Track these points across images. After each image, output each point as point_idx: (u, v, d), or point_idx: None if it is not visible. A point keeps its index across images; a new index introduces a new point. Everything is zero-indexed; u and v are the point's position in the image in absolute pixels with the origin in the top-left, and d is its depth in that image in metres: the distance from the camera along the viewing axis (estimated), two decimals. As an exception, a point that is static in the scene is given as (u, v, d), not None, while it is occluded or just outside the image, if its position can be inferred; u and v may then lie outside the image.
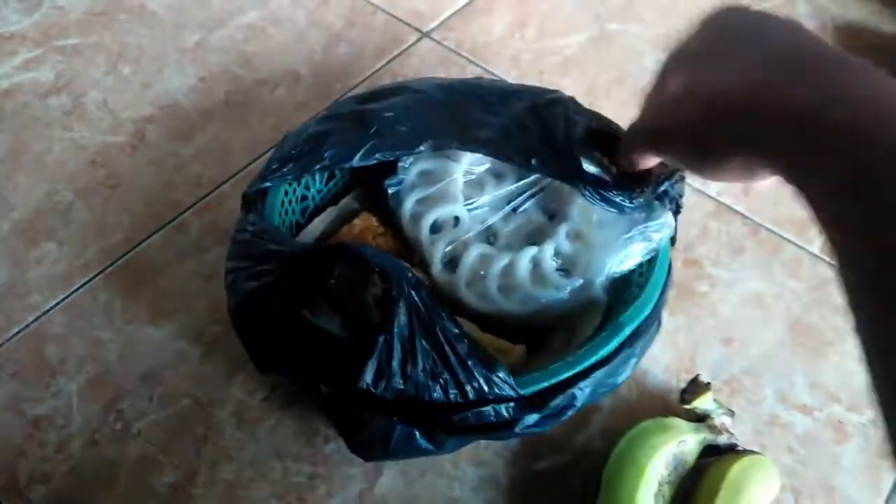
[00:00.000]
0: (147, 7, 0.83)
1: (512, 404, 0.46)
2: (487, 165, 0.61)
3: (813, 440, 0.58)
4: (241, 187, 0.67)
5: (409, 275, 0.46)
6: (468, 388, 0.45)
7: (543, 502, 0.54)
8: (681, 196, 0.55)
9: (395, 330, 0.44)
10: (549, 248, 0.56)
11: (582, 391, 0.48)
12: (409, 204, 0.59)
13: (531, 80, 0.66)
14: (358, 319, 0.46)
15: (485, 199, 0.60)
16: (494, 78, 0.74)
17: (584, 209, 0.57)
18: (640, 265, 0.55)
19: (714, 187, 0.72)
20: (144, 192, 0.67)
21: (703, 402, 0.55)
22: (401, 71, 0.79)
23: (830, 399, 0.60)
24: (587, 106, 0.58)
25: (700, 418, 0.56)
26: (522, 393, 0.46)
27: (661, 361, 0.60)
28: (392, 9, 0.85)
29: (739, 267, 0.67)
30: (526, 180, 0.60)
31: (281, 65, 0.78)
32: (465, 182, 0.60)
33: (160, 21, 0.81)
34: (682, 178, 0.54)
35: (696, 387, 0.56)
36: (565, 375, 0.48)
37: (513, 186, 0.60)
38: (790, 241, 0.69)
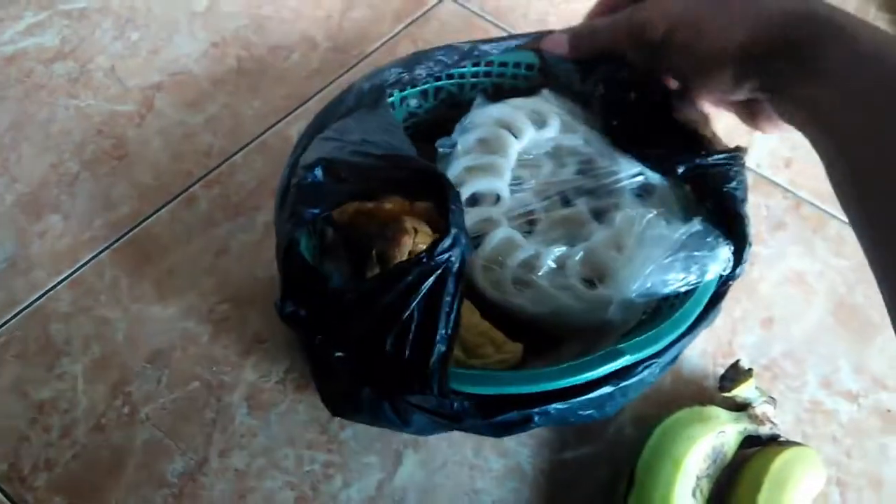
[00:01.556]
0: (157, -31, 0.79)
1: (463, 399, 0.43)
2: (550, 147, 0.57)
3: (859, 429, 0.55)
4: (252, 159, 0.64)
5: (465, 246, 0.43)
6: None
7: (570, 495, 0.51)
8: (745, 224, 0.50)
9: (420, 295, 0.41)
10: (579, 251, 0.52)
11: (542, 416, 0.44)
12: (455, 169, 0.55)
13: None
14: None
15: (534, 182, 0.56)
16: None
17: (632, 219, 0.51)
18: (676, 295, 0.49)
19: (753, 158, 0.68)
20: (152, 163, 0.64)
21: (744, 390, 0.52)
22: (420, 35, 0.75)
23: (877, 385, 0.57)
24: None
25: (740, 407, 0.52)
26: (454, 388, 0.43)
27: (696, 345, 0.57)
28: (412, -30, 0.81)
29: (780, 244, 0.63)
30: (587, 173, 0.56)
31: (295, 30, 0.75)
32: (519, 160, 0.56)
33: (170, -17, 0.78)
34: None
35: (736, 373, 0.52)
36: (514, 390, 0.43)
37: (571, 176, 0.56)
38: (834, 216, 0.65)
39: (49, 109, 0.67)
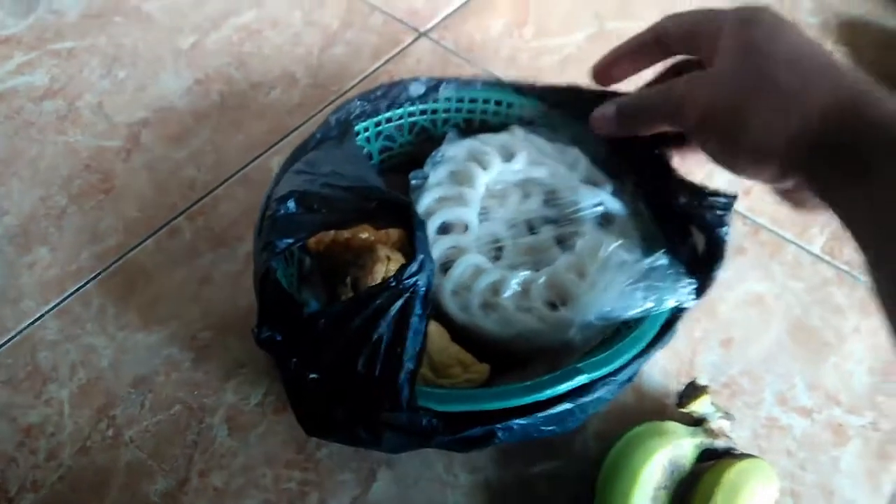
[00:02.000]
0: (142, 9, 0.82)
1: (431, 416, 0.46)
2: (518, 179, 0.60)
3: (812, 443, 0.58)
4: (234, 191, 0.67)
5: (432, 270, 0.46)
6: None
7: (537, 507, 0.54)
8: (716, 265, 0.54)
9: (389, 317, 0.44)
10: (542, 276, 0.55)
11: (505, 431, 0.46)
12: (426, 200, 0.58)
13: (528, 80, 0.65)
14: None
15: (502, 212, 0.59)
16: (491, 76, 0.73)
17: (593, 246, 0.55)
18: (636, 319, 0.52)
19: (712, 186, 0.71)
20: (138, 196, 0.67)
21: (699, 406, 0.54)
22: (397, 71, 0.78)
23: (830, 401, 0.60)
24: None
25: (697, 422, 0.55)
26: (422, 405, 0.45)
27: (658, 363, 0.60)
28: (389, 8, 0.84)
29: (739, 267, 0.66)
30: (551, 203, 0.59)
31: (277, 67, 0.78)
32: (488, 191, 0.59)
33: (156, 23, 0.81)
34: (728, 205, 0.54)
35: (693, 390, 0.55)
36: (478, 406, 0.46)
37: (536, 206, 0.59)
38: (791, 242, 0.68)
39: (38, 145, 0.70)
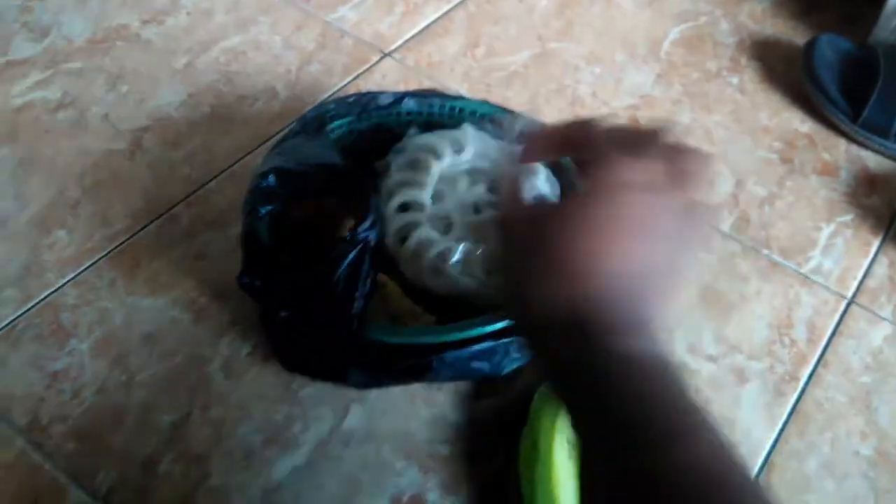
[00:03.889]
0: (142, 36, 0.94)
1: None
2: (466, 168, 0.71)
3: (717, 383, 0.69)
4: (225, 186, 0.78)
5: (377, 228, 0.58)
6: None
7: (483, 433, 0.64)
8: None
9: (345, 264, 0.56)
10: (482, 247, 0.65)
11: (439, 362, 0.58)
12: (388, 183, 0.69)
13: (479, 93, 0.77)
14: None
15: (452, 195, 0.69)
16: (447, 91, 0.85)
17: None
18: None
19: (637, 178, 0.83)
20: (142, 189, 0.78)
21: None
22: (364, 86, 0.90)
23: (733, 350, 0.71)
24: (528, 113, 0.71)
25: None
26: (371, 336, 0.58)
27: (587, 320, 0.70)
28: (358, 33, 0.96)
29: (658, 244, 0.78)
30: (494, 190, 0.70)
31: (259, 82, 0.89)
32: (440, 178, 0.70)
33: (153, 47, 0.93)
34: None
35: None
36: (415, 340, 0.59)
37: (481, 191, 0.70)
38: (703, 222, 0.80)
39: (54, 148, 0.81)
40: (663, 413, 0.38)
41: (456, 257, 0.65)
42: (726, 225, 0.80)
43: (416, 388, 0.66)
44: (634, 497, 0.36)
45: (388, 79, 0.91)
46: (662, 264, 0.42)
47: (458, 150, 0.71)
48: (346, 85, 0.90)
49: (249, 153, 0.82)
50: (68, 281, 0.71)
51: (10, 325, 0.68)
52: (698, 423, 0.38)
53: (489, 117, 0.74)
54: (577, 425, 0.40)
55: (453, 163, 0.71)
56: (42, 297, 0.69)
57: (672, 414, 0.38)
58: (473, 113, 0.74)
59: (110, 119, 0.84)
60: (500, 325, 0.59)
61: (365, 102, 0.73)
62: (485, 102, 0.75)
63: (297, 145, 0.66)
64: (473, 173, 0.71)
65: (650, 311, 0.42)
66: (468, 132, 0.72)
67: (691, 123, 0.90)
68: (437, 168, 0.70)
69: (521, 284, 0.43)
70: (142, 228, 0.75)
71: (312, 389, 0.65)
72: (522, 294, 0.43)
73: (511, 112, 0.73)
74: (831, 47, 0.93)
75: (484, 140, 0.72)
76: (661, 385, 0.39)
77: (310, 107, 0.85)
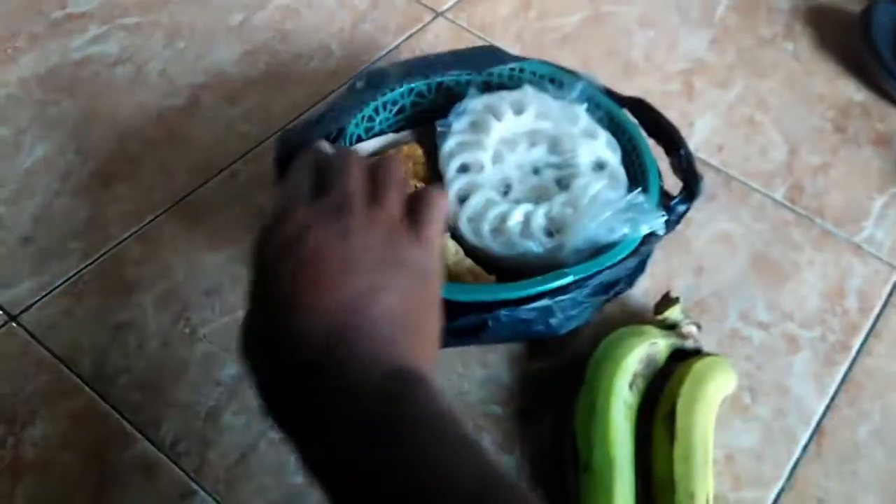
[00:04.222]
0: (196, -9, 0.95)
1: None
2: (527, 129, 0.71)
3: (769, 350, 0.69)
4: (282, 142, 0.79)
5: None
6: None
7: (536, 394, 0.65)
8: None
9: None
10: (542, 209, 0.65)
11: (494, 320, 0.58)
12: (449, 143, 0.69)
13: (532, 54, 0.77)
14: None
15: (512, 157, 0.70)
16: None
17: (585, 186, 0.66)
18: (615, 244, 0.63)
19: (692, 143, 0.83)
20: (200, 146, 0.79)
21: (672, 313, 0.66)
22: (418, 46, 0.90)
23: (785, 318, 0.71)
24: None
25: (670, 327, 0.66)
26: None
27: (640, 286, 0.70)
28: (410, -8, 0.96)
29: (711, 211, 0.78)
30: (554, 151, 0.71)
31: (314, 40, 0.90)
32: (501, 139, 0.70)
33: (209, 3, 0.93)
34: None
35: (667, 300, 0.67)
36: (472, 297, 0.59)
37: (540, 153, 0.70)
38: (757, 190, 0.80)
39: (113, 103, 0.82)
40: (404, 445, 0.37)
41: (515, 219, 0.65)
42: (779, 193, 0.80)
43: (470, 349, 0.67)
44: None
45: (440, 39, 0.91)
46: (350, 292, 0.40)
47: (519, 111, 0.71)
48: (399, 44, 0.90)
49: (305, 111, 0.83)
50: (131, 235, 0.72)
51: (74, 277, 0.69)
52: (445, 451, 0.37)
53: (549, 78, 0.74)
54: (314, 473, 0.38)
55: (513, 124, 0.71)
56: (106, 249, 0.71)
57: (409, 446, 0.37)
58: (534, 73, 0.74)
59: (168, 74, 0.85)
60: (557, 283, 0.59)
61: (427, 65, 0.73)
62: (545, 63, 0.74)
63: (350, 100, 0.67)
64: (533, 135, 0.71)
65: (365, 340, 0.39)
66: (528, 93, 0.72)
67: (745, 90, 0.89)
68: (497, 130, 0.70)
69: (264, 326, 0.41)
70: (201, 185, 0.76)
71: (370, 347, 0.66)
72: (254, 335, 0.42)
73: (572, 73, 0.73)
74: (888, 15, 0.92)
75: (544, 101, 0.72)
76: (400, 416, 0.38)
77: (364, 66, 0.86)
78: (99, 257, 0.70)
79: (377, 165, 0.47)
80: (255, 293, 0.42)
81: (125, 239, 0.72)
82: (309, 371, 0.38)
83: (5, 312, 0.67)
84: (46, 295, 0.68)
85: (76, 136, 0.79)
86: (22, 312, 0.67)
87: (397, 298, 0.41)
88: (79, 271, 0.69)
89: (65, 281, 0.69)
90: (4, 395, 0.62)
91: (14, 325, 0.66)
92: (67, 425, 0.61)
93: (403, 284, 0.42)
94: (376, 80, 0.70)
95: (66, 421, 0.61)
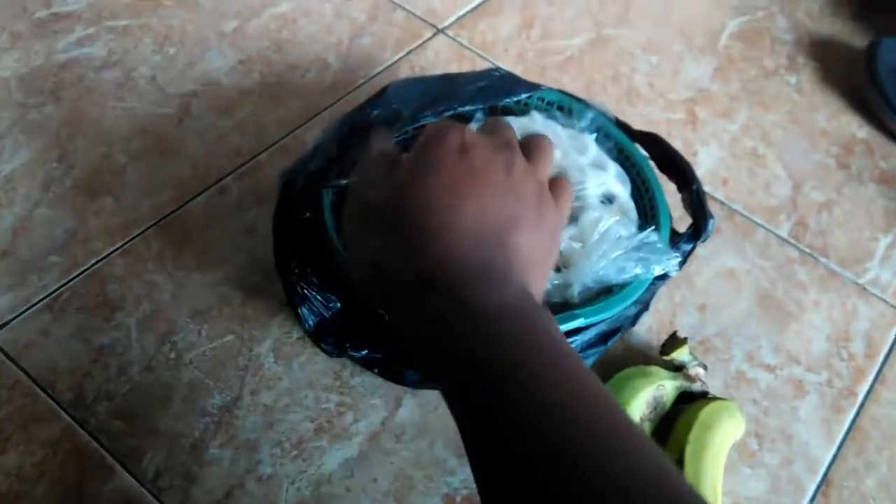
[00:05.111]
0: (188, -5, 0.91)
1: None
2: None
3: (775, 394, 0.67)
4: (276, 158, 0.76)
5: None
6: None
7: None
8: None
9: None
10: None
11: None
12: None
13: (534, 76, 0.75)
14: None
15: None
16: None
17: (594, 220, 0.63)
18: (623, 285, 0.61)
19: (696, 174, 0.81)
20: (190, 158, 0.75)
21: (679, 354, 0.64)
22: (417, 62, 0.88)
23: (791, 361, 0.69)
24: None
25: (677, 368, 0.64)
26: None
27: (643, 322, 0.68)
28: (411, 6, 0.93)
29: (715, 246, 0.76)
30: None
31: (310, 52, 0.87)
32: None
33: (201, 8, 0.89)
34: None
35: (674, 340, 0.65)
36: None
37: None
38: (761, 226, 0.78)
39: (99, 109, 0.78)
40: (535, 354, 0.40)
41: None
42: (784, 230, 0.78)
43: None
44: (516, 437, 0.37)
45: (440, 56, 0.89)
46: (505, 215, 0.45)
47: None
48: (398, 60, 0.87)
49: (301, 125, 0.79)
50: (115, 250, 0.68)
51: (54, 294, 0.65)
52: (570, 363, 0.41)
53: (558, 105, 0.71)
54: (448, 386, 0.41)
55: None
56: (88, 265, 0.67)
57: (540, 356, 0.40)
58: (541, 100, 0.72)
59: (157, 81, 0.82)
60: (575, 323, 0.57)
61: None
62: (553, 90, 0.72)
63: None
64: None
65: (504, 260, 0.44)
66: (536, 120, 0.70)
67: (748, 122, 0.87)
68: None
69: (376, 251, 0.45)
70: (190, 199, 0.72)
71: (363, 378, 0.63)
72: (377, 260, 0.45)
73: (581, 101, 0.71)
74: (893, 51, 0.91)
75: (553, 129, 0.69)
76: (529, 330, 0.41)
77: (362, 80, 0.83)
78: (80, 273, 0.67)
79: (532, 138, 0.52)
80: (375, 214, 0.46)
81: (109, 254, 0.68)
82: (440, 289, 0.42)
83: (-22, 329, 0.63)
84: (23, 312, 0.64)
85: (59, 143, 0.75)
86: (-4, 330, 0.63)
87: (535, 240, 0.45)
88: (58, 287, 0.66)
89: (43, 297, 0.65)
90: (-25, 419, 0.59)
91: (-13, 343, 0.62)
92: (42, 454, 0.58)
93: (542, 234, 0.46)
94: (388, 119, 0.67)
95: (41, 449, 0.58)
